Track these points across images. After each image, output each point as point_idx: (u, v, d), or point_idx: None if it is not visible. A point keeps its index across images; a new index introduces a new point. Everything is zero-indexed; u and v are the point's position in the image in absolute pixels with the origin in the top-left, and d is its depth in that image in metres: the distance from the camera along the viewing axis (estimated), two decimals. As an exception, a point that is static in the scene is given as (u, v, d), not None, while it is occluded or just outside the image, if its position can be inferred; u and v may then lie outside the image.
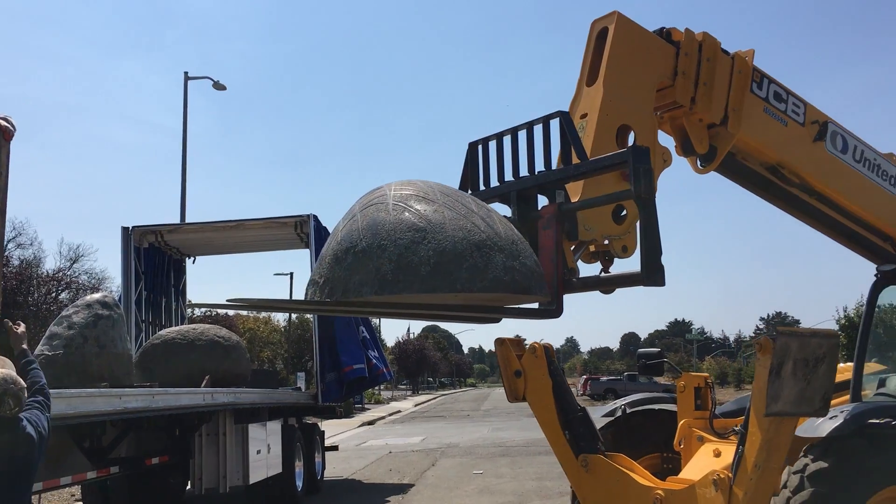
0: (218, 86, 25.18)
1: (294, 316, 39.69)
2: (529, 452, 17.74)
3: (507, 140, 4.86)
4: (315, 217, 12.18)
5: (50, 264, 29.36)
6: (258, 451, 9.60)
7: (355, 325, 12.55)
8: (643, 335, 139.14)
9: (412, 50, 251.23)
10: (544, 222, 4.53)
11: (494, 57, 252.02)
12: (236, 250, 15.15)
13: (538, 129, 4.72)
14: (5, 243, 5.84)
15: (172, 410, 7.68)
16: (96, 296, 7.82)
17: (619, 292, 4.84)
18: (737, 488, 4.40)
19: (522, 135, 4.78)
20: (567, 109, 5.12)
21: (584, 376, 59.11)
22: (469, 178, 5.03)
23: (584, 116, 5.03)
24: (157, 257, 13.15)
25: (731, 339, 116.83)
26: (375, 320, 28.42)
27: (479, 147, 5.02)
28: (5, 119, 4.86)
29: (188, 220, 21.30)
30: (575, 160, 4.54)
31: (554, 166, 4.71)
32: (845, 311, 36.83)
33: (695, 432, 5.72)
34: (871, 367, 6.58)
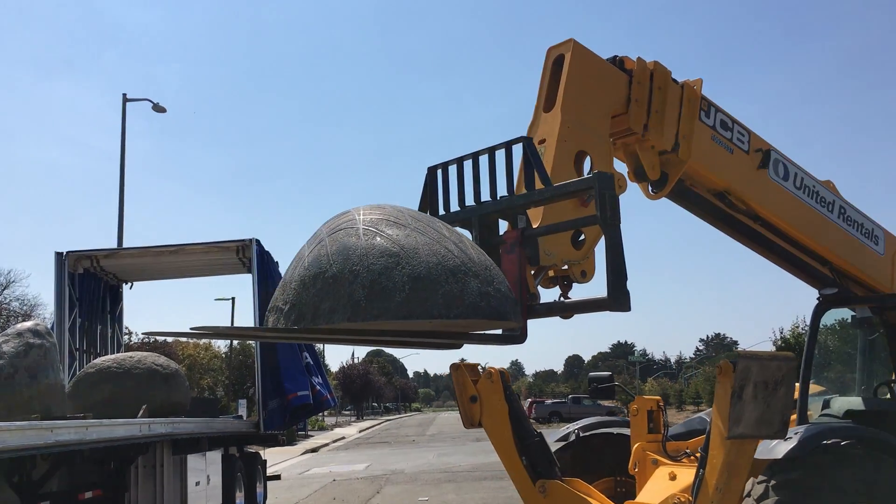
0: (158, 108, 24.78)
1: (236, 342, 38.99)
2: (475, 478, 17.64)
3: (467, 164, 4.83)
4: (258, 241, 11.98)
5: (-21, 291, 28.38)
6: (197, 483, 9.32)
7: (299, 350, 12.34)
8: (587, 357, 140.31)
9: (359, 72, 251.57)
10: (507, 247, 4.52)
11: (444, 80, 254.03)
12: (176, 275, 14.81)
13: (499, 154, 4.71)
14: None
15: (107, 443, 7.40)
16: (28, 324, 7.53)
17: (565, 314, 4.83)
18: None
19: (483, 159, 4.77)
20: (524, 134, 5.10)
21: (529, 399, 59.27)
22: (428, 203, 4.99)
23: (542, 142, 5.07)
24: (92, 283, 12.76)
25: (672, 360, 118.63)
26: (319, 345, 28.11)
27: (439, 171, 4.98)
28: None
29: (126, 244, 20.81)
30: (538, 185, 4.54)
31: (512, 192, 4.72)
32: (781, 332, 37.82)
33: (649, 455, 5.75)
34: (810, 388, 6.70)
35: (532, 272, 4.65)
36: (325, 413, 50.05)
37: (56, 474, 7.70)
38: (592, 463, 6.47)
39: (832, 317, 7.61)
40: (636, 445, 5.85)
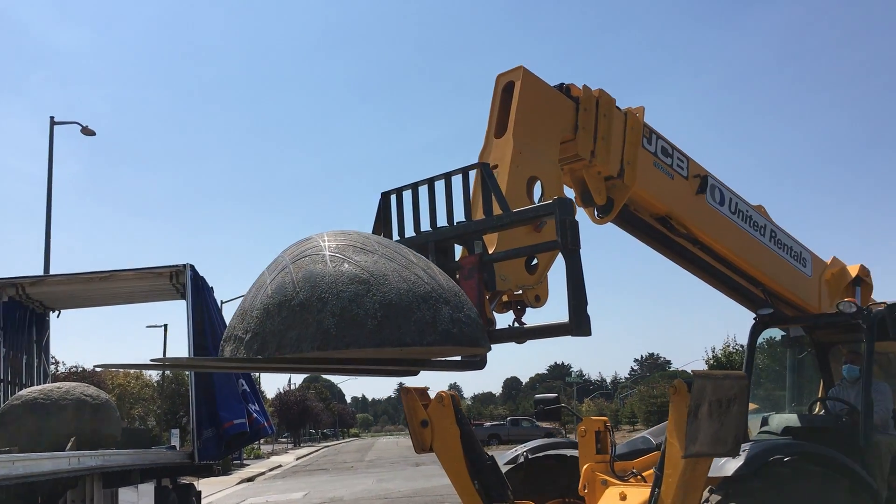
0: (87, 131, 24.21)
1: (167, 372, 38.10)
2: (416, 503, 17.48)
3: (421, 189, 4.84)
4: (192, 267, 11.75)
5: None
6: (129, 517, 9.03)
7: (235, 377, 12.10)
8: (525, 379, 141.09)
9: (298, 93, 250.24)
10: (465, 273, 4.52)
11: (384, 103, 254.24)
12: (107, 302, 14.41)
13: (455, 180, 4.74)
14: None
15: (34, 477, 7.12)
16: (-52, 355, 7.23)
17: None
18: None
19: (438, 184, 4.78)
20: (472, 159, 5.23)
21: (468, 422, 59.07)
22: (382, 228, 4.97)
23: (494, 167, 5.11)
24: (17, 312, 12.33)
25: (608, 380, 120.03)
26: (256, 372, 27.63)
27: (393, 196, 4.97)
28: None
29: (53, 271, 20.20)
30: (496, 211, 4.56)
31: (463, 217, 4.74)
32: (713, 351, 38.66)
33: (598, 476, 5.79)
34: None
35: (487, 297, 4.66)
36: (261, 441, 49.14)
37: (-22, 512, 7.39)
38: (541, 485, 6.49)
39: (761, 336, 7.86)
40: (585, 466, 5.87)
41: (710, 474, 4.90)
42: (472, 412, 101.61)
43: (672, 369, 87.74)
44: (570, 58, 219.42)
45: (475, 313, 3.74)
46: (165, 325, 39.31)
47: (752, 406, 7.28)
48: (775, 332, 7.98)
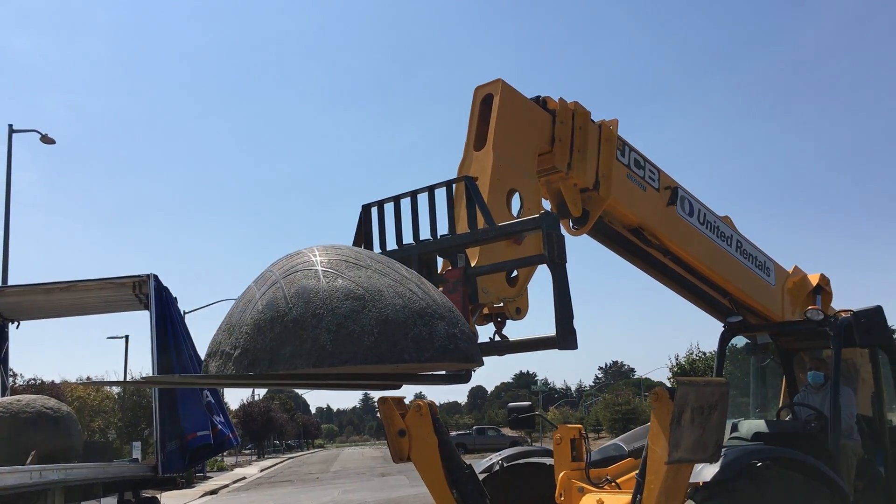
0: (46, 139, 23.83)
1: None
2: (382, 514, 17.39)
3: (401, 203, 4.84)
4: (156, 277, 11.56)
5: None
6: (91, 532, 8.84)
7: (199, 389, 11.93)
8: (490, 388, 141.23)
9: (259, 103, 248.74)
10: (450, 286, 4.51)
11: (349, 112, 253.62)
12: (68, 313, 14.12)
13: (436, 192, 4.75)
14: None
15: (-5, 492, 6.96)
16: None
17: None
18: None
19: (419, 197, 4.79)
20: (452, 170, 5.26)
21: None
22: (362, 241, 4.95)
23: (475, 180, 5.11)
24: (-26, 323, 12.07)
25: (573, 388, 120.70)
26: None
27: (374, 209, 4.96)
28: None
29: (11, 282, 19.81)
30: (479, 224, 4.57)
31: (446, 230, 4.76)
32: (677, 358, 39.11)
33: (575, 483, 5.81)
34: None
35: (470, 310, 4.66)
36: (225, 453, 48.56)
37: (-65, 529, 7.19)
38: (516, 493, 6.51)
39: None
40: (561, 474, 5.89)
41: (690, 479, 4.97)
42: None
43: (636, 377, 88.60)
44: (544, 65, 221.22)
45: (468, 328, 3.72)
46: (127, 337, 38.79)
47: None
48: (738, 340, 8.11)
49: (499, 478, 6.62)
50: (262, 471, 47.49)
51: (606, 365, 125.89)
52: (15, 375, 26.14)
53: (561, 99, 5.87)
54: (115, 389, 41.44)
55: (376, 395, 5.60)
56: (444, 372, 4.26)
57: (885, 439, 7.05)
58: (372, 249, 4.91)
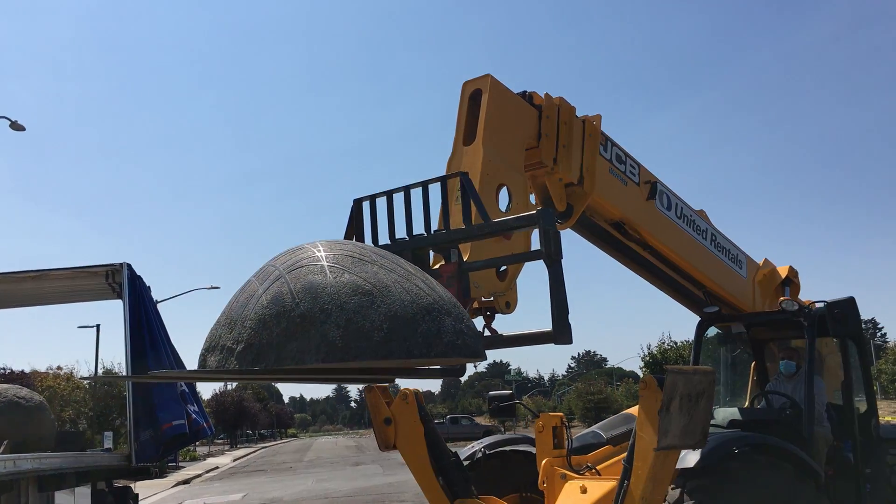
0: (16, 126, 23.47)
1: (101, 371, 37.19)
2: (356, 502, 17.43)
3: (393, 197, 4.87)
4: (129, 266, 11.45)
5: None
6: (65, 522, 8.78)
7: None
8: (463, 378, 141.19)
9: (232, 89, 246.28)
10: (444, 281, 4.52)
11: (320, 98, 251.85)
12: (38, 302, 13.94)
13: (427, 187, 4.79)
14: None
15: (-34, 482, 6.90)
16: None
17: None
18: None
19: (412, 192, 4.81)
20: (442, 166, 5.31)
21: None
22: (354, 235, 4.96)
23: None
24: (-57, 312, 11.89)
25: (546, 378, 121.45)
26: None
27: (366, 203, 4.97)
28: None
29: (-20, 270, 19.48)
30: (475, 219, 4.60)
31: (435, 225, 4.79)
32: (649, 348, 39.53)
33: (557, 470, 5.87)
34: None
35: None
36: (197, 443, 48.32)
37: None
38: (498, 480, 6.57)
39: (693, 335, 8.18)
40: (544, 461, 5.95)
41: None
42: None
43: (608, 367, 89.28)
44: (524, 51, 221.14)
45: (472, 324, 3.76)
46: (98, 326, 38.35)
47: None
48: (710, 331, 8.26)
49: (482, 465, 6.69)
50: (235, 460, 47.34)
51: (579, 354, 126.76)
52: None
53: (546, 94, 5.91)
54: (86, 380, 41.04)
55: (352, 386, 5.63)
56: (438, 366, 4.30)
57: (855, 427, 7.23)
58: (363, 242, 4.92)
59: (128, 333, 11.08)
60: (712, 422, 6.80)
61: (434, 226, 4.82)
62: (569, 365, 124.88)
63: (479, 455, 6.75)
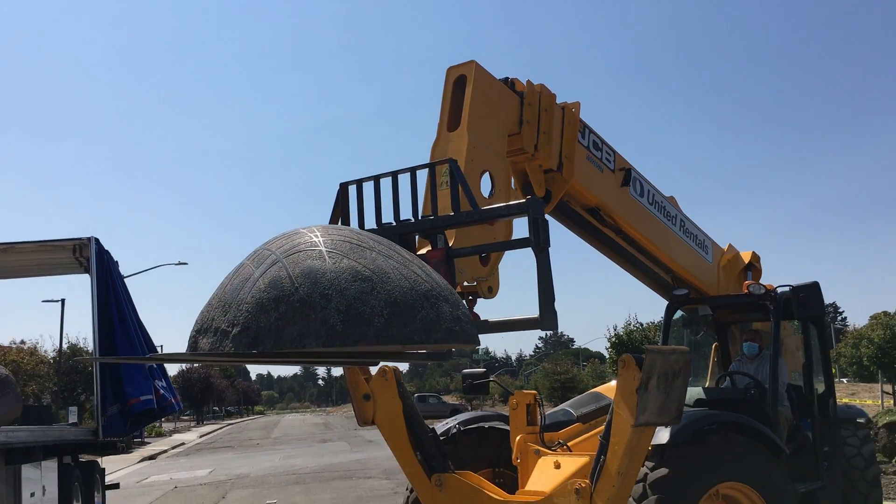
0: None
1: (66, 346, 36.85)
2: (323, 479, 17.53)
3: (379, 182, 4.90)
4: (97, 240, 11.32)
5: None
6: (32, 494, 8.76)
7: (141, 354, 11.79)
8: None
9: (208, 61, 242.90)
10: (431, 266, 4.56)
11: (296, 75, 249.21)
12: (3, 276, 13.77)
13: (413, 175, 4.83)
14: None
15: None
16: None
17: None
18: (598, 496, 4.68)
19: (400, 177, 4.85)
20: (429, 151, 5.33)
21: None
22: (339, 220, 4.99)
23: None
24: None
25: (514, 358, 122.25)
26: (159, 344, 26.98)
27: (352, 188, 4.99)
28: None
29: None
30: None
31: (420, 211, 4.84)
32: (615, 329, 39.84)
33: (531, 447, 5.97)
34: None
35: None
36: (163, 419, 48.08)
37: None
38: (472, 456, 6.66)
39: (658, 317, 8.34)
40: (517, 438, 6.04)
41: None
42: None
43: (575, 347, 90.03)
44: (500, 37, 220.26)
45: (468, 310, 3.81)
46: (63, 300, 37.91)
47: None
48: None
49: (456, 441, 6.78)
50: (201, 437, 47.22)
51: (547, 335, 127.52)
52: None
53: (528, 81, 5.95)
54: (51, 354, 40.67)
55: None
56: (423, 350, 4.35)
57: (814, 406, 7.45)
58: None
59: (95, 308, 10.99)
60: (682, 401, 7.00)
61: (420, 211, 4.86)
62: (536, 345, 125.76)
63: (455, 431, 6.84)
